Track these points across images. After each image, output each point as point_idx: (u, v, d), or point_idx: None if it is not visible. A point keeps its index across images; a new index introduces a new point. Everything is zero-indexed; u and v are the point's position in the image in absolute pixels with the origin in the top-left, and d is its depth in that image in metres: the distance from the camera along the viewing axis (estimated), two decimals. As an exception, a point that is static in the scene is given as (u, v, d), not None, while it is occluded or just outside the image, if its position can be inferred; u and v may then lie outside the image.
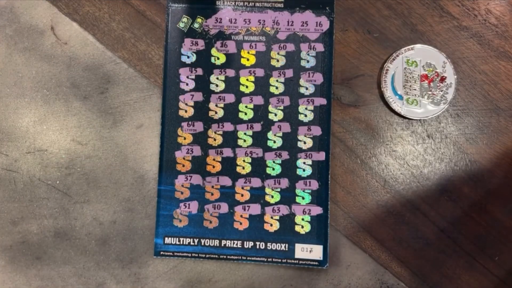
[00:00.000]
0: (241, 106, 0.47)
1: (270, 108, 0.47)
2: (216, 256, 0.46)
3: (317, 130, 0.47)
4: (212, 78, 0.47)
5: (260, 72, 0.47)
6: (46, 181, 0.48)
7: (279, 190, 0.47)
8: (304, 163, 0.47)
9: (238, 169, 0.47)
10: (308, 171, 0.47)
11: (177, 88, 0.47)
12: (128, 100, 0.49)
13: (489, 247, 0.47)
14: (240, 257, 0.46)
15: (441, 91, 0.47)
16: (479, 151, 0.47)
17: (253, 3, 0.48)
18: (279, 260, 0.46)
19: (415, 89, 0.47)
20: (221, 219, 0.47)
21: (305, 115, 0.47)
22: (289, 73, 0.47)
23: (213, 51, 0.48)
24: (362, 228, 0.47)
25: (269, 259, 0.46)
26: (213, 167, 0.47)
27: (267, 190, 0.47)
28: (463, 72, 0.47)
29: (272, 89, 0.47)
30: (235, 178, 0.47)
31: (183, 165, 0.47)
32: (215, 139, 0.47)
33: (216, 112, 0.47)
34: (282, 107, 0.47)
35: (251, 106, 0.47)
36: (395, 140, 0.47)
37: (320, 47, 0.47)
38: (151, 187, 0.48)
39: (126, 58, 0.49)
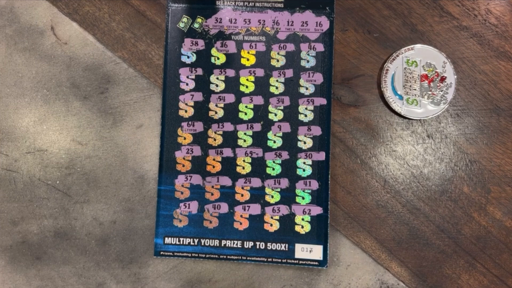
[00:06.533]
0: (241, 106, 0.47)
1: (270, 108, 0.47)
2: (216, 256, 0.46)
3: (317, 130, 0.47)
4: (212, 78, 0.47)
5: (260, 72, 0.47)
6: (46, 181, 0.48)
7: (279, 190, 0.47)
8: (304, 163, 0.47)
9: (238, 169, 0.47)
10: (308, 171, 0.47)
11: (177, 88, 0.47)
12: (128, 100, 0.49)
13: (489, 247, 0.47)
14: (240, 257, 0.46)
15: (441, 91, 0.47)
16: (479, 151, 0.47)
17: (253, 3, 0.48)
18: (279, 260, 0.46)
19: (415, 89, 0.47)
20: (221, 219, 0.47)
21: (305, 115, 0.47)
22: (289, 73, 0.47)
23: (213, 51, 0.48)
24: (362, 228, 0.47)
25: (269, 259, 0.46)
26: (213, 167, 0.47)
27: (267, 190, 0.47)
28: (463, 72, 0.47)
29: (272, 89, 0.47)
30: (235, 178, 0.47)
31: (183, 165, 0.47)
32: (215, 139, 0.47)
33: (216, 112, 0.47)
34: (282, 107, 0.47)
35: (251, 106, 0.47)
36: (395, 140, 0.48)
37: (320, 47, 0.47)
38: (151, 187, 0.48)
39: (126, 58, 0.49)
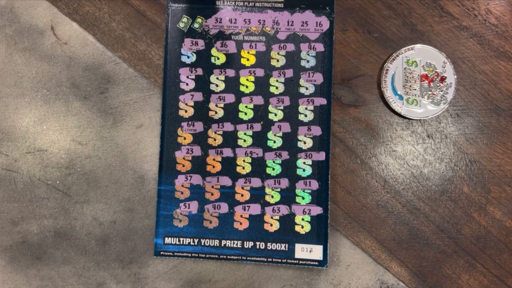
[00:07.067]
0: (241, 106, 0.47)
1: (270, 108, 0.47)
2: (216, 256, 0.46)
3: (317, 130, 0.47)
4: (212, 78, 0.47)
5: (260, 72, 0.47)
6: (46, 181, 0.48)
7: (279, 190, 0.47)
8: (304, 163, 0.47)
9: (238, 169, 0.47)
10: (308, 171, 0.47)
11: (177, 88, 0.47)
12: (128, 100, 0.49)
13: (489, 247, 0.47)
14: (240, 257, 0.46)
15: (441, 91, 0.47)
16: (479, 151, 0.47)
17: (253, 3, 0.48)
18: (279, 260, 0.46)
19: (415, 89, 0.47)
20: (221, 219, 0.47)
21: (305, 115, 0.47)
22: (289, 73, 0.47)
23: (213, 51, 0.48)
24: (362, 228, 0.47)
25: (269, 259, 0.46)
26: (213, 167, 0.47)
27: (267, 190, 0.47)
28: (463, 72, 0.47)
29: (272, 89, 0.47)
30: (235, 178, 0.47)
31: (183, 165, 0.47)
32: (215, 139, 0.47)
33: (216, 112, 0.47)
34: (282, 107, 0.47)
35: (251, 106, 0.47)
36: (395, 140, 0.48)
37: (320, 47, 0.47)
38: (151, 187, 0.48)
39: (126, 58, 0.49)
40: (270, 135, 0.47)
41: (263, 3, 0.47)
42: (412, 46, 0.47)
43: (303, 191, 0.46)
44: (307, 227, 0.46)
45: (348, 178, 0.47)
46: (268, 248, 0.46)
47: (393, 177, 0.47)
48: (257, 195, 0.47)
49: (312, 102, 0.47)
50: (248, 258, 0.46)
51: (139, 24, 0.49)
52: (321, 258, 0.46)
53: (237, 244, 0.46)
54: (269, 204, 0.47)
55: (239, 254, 0.46)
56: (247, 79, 0.47)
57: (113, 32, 0.49)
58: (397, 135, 0.48)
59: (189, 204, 0.47)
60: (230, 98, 0.47)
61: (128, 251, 0.48)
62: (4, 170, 0.49)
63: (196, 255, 0.46)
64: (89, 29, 0.49)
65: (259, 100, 0.47)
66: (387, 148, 0.47)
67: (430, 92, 0.47)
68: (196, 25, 0.48)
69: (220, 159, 0.47)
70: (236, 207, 0.47)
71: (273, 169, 0.47)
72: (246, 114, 0.47)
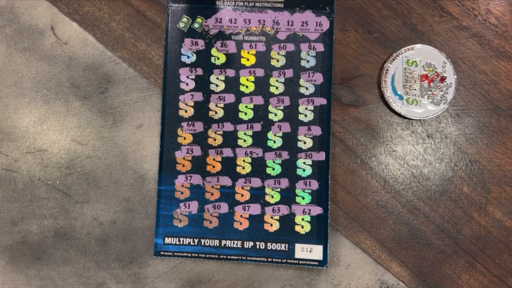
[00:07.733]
0: (241, 106, 0.47)
1: (270, 108, 0.47)
2: (216, 256, 0.46)
3: (317, 130, 0.47)
4: (212, 78, 0.47)
5: (260, 72, 0.47)
6: (46, 181, 0.48)
7: (279, 190, 0.47)
8: (304, 163, 0.47)
9: (238, 169, 0.47)
10: (308, 171, 0.47)
11: (177, 88, 0.47)
12: (128, 100, 0.49)
13: (489, 247, 0.47)
14: (240, 257, 0.46)
15: (441, 91, 0.47)
16: (479, 151, 0.47)
17: (253, 3, 0.48)
18: (279, 260, 0.46)
19: (415, 89, 0.47)
20: (221, 219, 0.47)
21: (305, 115, 0.47)
22: (289, 73, 0.47)
23: (213, 51, 0.48)
24: (362, 228, 0.47)
25: (269, 259, 0.46)
26: (213, 167, 0.47)
27: (267, 190, 0.47)
28: (463, 72, 0.47)
29: (272, 89, 0.47)
30: (235, 178, 0.47)
31: (183, 165, 0.47)
32: (215, 139, 0.47)
33: (216, 112, 0.47)
34: (282, 107, 0.47)
35: (251, 106, 0.47)
36: (395, 140, 0.48)
37: (320, 47, 0.47)
38: (151, 187, 0.48)
39: (126, 58, 0.49)
40: (270, 135, 0.47)
41: (263, 3, 0.47)
42: (412, 46, 0.47)
43: (303, 191, 0.46)
44: (307, 227, 0.46)
45: (348, 178, 0.47)
46: (268, 248, 0.46)
47: (393, 177, 0.47)
48: (257, 195, 0.47)
49: (312, 102, 0.47)
50: (248, 258, 0.46)
51: (139, 24, 0.49)
52: (321, 258, 0.46)
53: (237, 244, 0.46)
54: (269, 204, 0.47)
55: (239, 254, 0.46)
56: (247, 79, 0.47)
57: (113, 32, 0.49)
58: (397, 135, 0.48)
59: (189, 204, 0.47)
60: (230, 98, 0.47)
61: (128, 251, 0.48)
62: (4, 170, 0.49)
63: (196, 255, 0.46)
64: (89, 29, 0.49)
65: (259, 100, 0.47)
66: (387, 148, 0.47)
67: (430, 92, 0.47)
68: (196, 25, 0.48)
69: (220, 159, 0.47)
70: (236, 207, 0.47)
71: (273, 169, 0.47)
72: (246, 114, 0.47)
